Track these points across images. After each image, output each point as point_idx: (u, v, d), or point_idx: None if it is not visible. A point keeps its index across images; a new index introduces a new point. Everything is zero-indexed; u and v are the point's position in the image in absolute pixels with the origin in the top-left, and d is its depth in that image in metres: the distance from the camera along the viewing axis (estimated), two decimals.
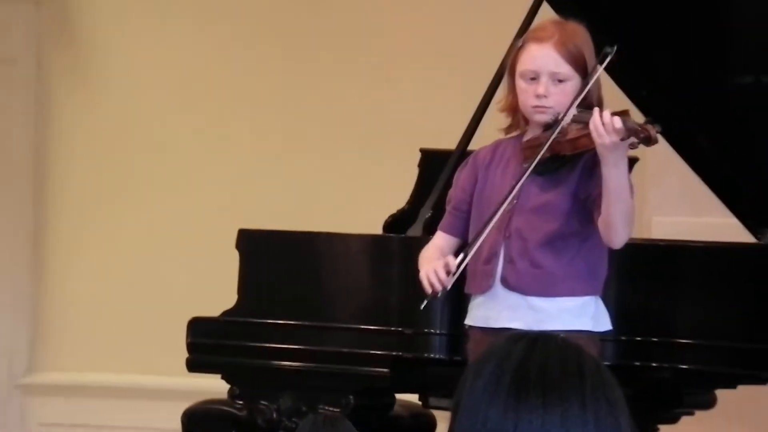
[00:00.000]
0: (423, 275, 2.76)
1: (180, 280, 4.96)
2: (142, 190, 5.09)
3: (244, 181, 4.99)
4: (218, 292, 3.49)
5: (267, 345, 3.37)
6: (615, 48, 2.74)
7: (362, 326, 3.29)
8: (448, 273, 2.73)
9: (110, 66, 5.15)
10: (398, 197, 3.59)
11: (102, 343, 5.06)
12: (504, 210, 2.74)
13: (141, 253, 5.05)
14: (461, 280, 2.86)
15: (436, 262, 2.76)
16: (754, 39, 3.30)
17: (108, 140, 5.14)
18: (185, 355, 3.48)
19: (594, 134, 2.68)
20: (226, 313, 3.46)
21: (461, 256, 2.75)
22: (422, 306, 2.77)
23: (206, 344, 3.45)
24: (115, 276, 5.08)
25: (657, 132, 2.64)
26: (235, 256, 3.50)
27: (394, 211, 3.57)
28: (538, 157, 2.73)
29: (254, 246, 3.50)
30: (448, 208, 2.92)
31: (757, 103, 3.37)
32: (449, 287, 2.73)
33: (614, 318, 2.91)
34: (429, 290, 2.74)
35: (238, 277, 3.47)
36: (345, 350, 3.29)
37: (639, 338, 3.22)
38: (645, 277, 3.27)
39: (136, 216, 5.09)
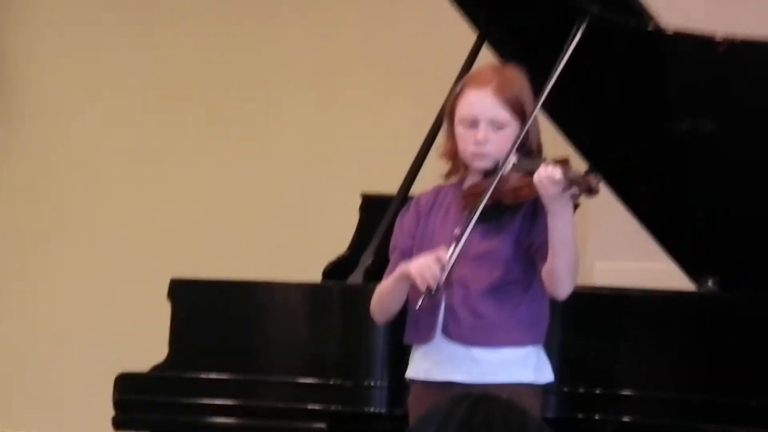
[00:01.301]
0: (415, 272, 2.71)
1: (107, 330, 4.88)
2: (67, 233, 5.02)
3: (180, 226, 4.95)
4: (148, 345, 3.44)
5: (199, 401, 3.33)
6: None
7: (299, 379, 3.26)
8: (441, 268, 2.68)
9: (32, 96, 5.08)
10: (341, 242, 3.57)
11: (22, 399, 4.95)
12: (457, 250, 2.72)
13: (65, 302, 4.97)
14: (400, 331, 2.84)
15: (425, 258, 2.71)
16: (692, 84, 3.36)
17: (30, 176, 5.07)
18: (111, 412, 3.41)
19: (537, 184, 2.69)
20: (155, 368, 3.40)
21: (451, 248, 2.70)
22: (418, 305, 2.71)
23: (134, 401, 3.39)
24: (37, 324, 4.98)
25: (598, 182, 2.66)
26: (167, 305, 3.45)
27: (335, 257, 3.55)
28: (480, 207, 2.73)
29: (186, 295, 3.46)
30: (393, 255, 2.90)
31: (696, 148, 3.42)
32: (443, 282, 2.68)
33: (556, 368, 2.91)
34: (423, 288, 2.69)
35: (170, 328, 3.42)
36: (281, 405, 3.26)
37: (582, 389, 3.22)
38: (587, 325, 3.29)
39: (60, 260, 5.01)
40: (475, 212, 2.73)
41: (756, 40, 3.23)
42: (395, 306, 2.78)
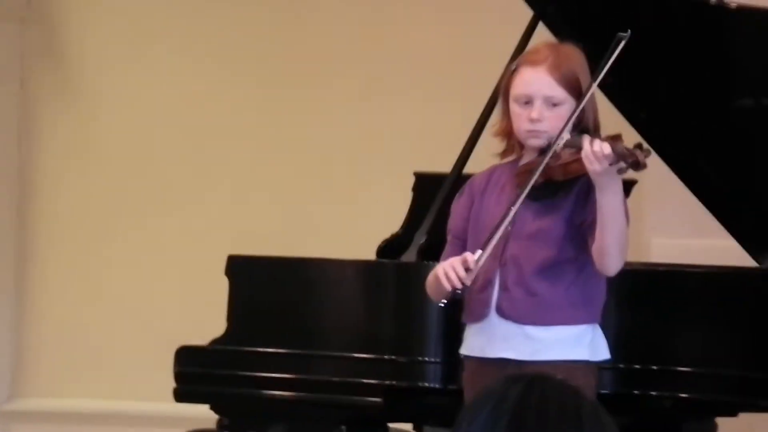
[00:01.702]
0: (441, 273, 2.75)
1: (168, 305, 4.96)
2: (129, 213, 5.10)
3: (235, 206, 5.00)
4: (207, 319, 3.50)
5: (257, 374, 3.38)
6: (629, 33, 2.73)
7: (355, 354, 3.30)
8: (466, 270, 2.72)
9: (97, 87, 5.17)
10: (392, 222, 3.60)
11: (87, 370, 5.06)
12: (504, 228, 2.75)
13: (127, 279, 5.06)
14: (456, 310, 2.87)
15: (452, 260, 2.75)
16: (754, 61, 3.33)
17: (95, 162, 5.16)
18: (172, 382, 3.49)
19: (584, 160, 2.69)
20: (214, 342, 3.46)
21: (479, 252, 2.74)
22: (442, 304, 2.75)
23: (194, 373, 3.46)
24: (101, 301, 5.08)
25: (646, 157, 2.66)
26: (225, 282, 3.51)
27: (387, 235, 3.58)
28: (531, 183, 2.74)
29: (244, 272, 3.51)
30: (448, 238, 2.93)
31: (756, 125, 3.39)
32: (469, 284, 2.72)
33: (613, 345, 2.92)
34: (448, 288, 2.73)
35: (228, 304, 3.48)
36: (337, 379, 3.30)
37: (638, 366, 3.24)
38: (644, 303, 3.29)
39: (123, 240, 5.10)
40: (525, 189, 2.74)
41: None
42: (443, 294, 2.81)
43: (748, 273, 3.49)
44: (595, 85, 2.81)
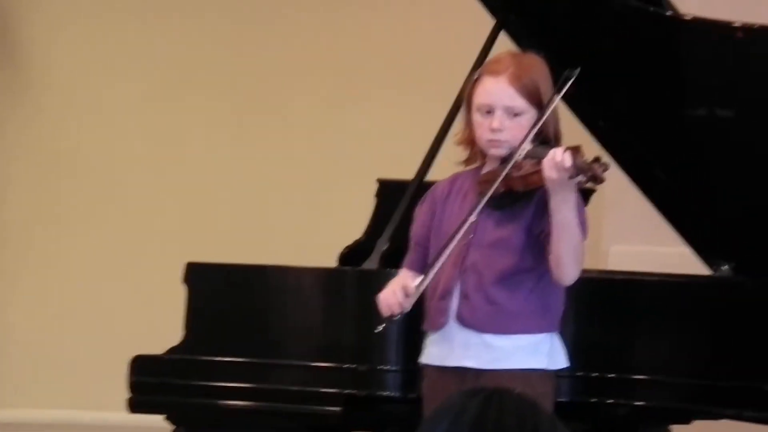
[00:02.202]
0: (380, 297, 2.80)
1: (126, 313, 4.95)
2: (84, 216, 5.08)
3: (194, 212, 4.99)
4: (165, 328, 3.50)
5: (214, 384, 3.38)
6: (577, 70, 2.78)
7: (314, 363, 3.32)
8: (406, 295, 2.76)
9: (48, 84, 5.14)
10: (355, 228, 3.62)
11: (44, 380, 5.04)
12: (460, 238, 2.79)
13: (83, 285, 5.03)
14: (415, 316, 2.90)
15: (393, 284, 2.80)
16: (709, 71, 3.39)
17: (47, 162, 5.12)
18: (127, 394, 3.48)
19: (544, 170, 2.73)
20: (171, 350, 3.46)
21: (420, 278, 2.80)
22: (378, 329, 2.80)
23: (150, 383, 3.45)
24: (55, 307, 5.06)
25: (604, 171, 2.70)
26: (183, 289, 3.51)
27: (350, 242, 3.60)
28: (490, 192, 2.78)
29: (202, 280, 3.50)
30: (410, 244, 2.97)
31: (710, 134, 3.46)
32: (407, 310, 2.77)
33: (571, 353, 2.96)
34: (386, 313, 2.78)
35: (185, 312, 3.48)
36: (296, 388, 3.31)
37: (595, 374, 3.28)
38: (601, 311, 3.34)
39: (78, 244, 5.07)
40: (484, 197, 2.78)
41: None
42: (380, 319, 2.83)
43: (702, 281, 3.55)
44: (546, 114, 2.82)
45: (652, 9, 3.30)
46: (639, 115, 3.57)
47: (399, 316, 2.77)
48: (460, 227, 2.79)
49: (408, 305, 2.77)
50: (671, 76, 3.43)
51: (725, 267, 3.68)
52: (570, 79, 2.79)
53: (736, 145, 3.45)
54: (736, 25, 3.26)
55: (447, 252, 2.79)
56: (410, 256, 2.94)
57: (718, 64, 3.36)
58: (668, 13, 3.32)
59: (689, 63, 3.41)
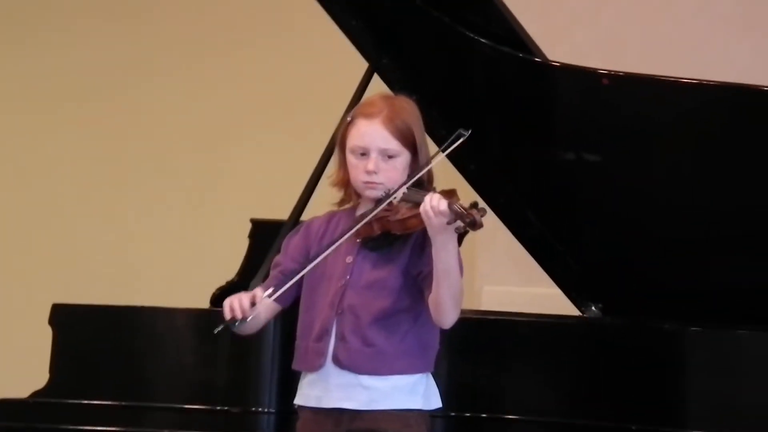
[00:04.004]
0: (226, 302, 2.87)
1: None
2: None
3: (63, 251, 4.96)
4: (30, 371, 3.49)
5: (82, 427, 3.38)
6: (469, 132, 2.90)
7: (186, 405, 3.35)
8: (252, 304, 2.83)
9: None
10: (228, 269, 3.67)
11: None
12: (310, 269, 2.87)
13: None
14: (288, 356, 2.97)
15: (242, 293, 2.88)
16: (577, 116, 3.57)
17: None
18: None
19: (423, 216, 2.84)
20: (36, 394, 3.45)
21: (270, 290, 2.88)
22: (216, 330, 2.86)
23: (14, 428, 3.43)
24: None
25: (482, 216, 2.81)
26: (48, 331, 3.51)
27: (223, 283, 3.65)
28: (355, 228, 2.88)
29: (69, 321, 3.51)
30: (273, 272, 3.02)
31: (580, 178, 3.63)
32: (249, 318, 2.84)
33: (444, 393, 3.06)
34: (228, 315, 2.84)
35: (51, 353, 3.48)
36: None
37: (468, 414, 3.39)
38: (474, 351, 3.45)
39: None
40: (348, 233, 2.88)
41: (637, 76, 3.46)
42: (221, 321, 2.90)
43: (572, 321, 3.71)
44: (430, 165, 2.92)
45: (521, 55, 3.46)
46: (510, 159, 3.72)
47: (240, 322, 2.84)
48: (314, 257, 2.88)
49: (251, 313, 2.84)
50: (541, 120, 3.59)
51: (594, 308, 3.85)
52: (461, 138, 2.91)
53: (602, 188, 3.62)
54: (603, 72, 3.45)
55: (304, 271, 2.87)
56: (271, 282, 2.99)
57: (585, 109, 3.53)
58: (537, 59, 3.49)
59: (558, 108, 3.58)
